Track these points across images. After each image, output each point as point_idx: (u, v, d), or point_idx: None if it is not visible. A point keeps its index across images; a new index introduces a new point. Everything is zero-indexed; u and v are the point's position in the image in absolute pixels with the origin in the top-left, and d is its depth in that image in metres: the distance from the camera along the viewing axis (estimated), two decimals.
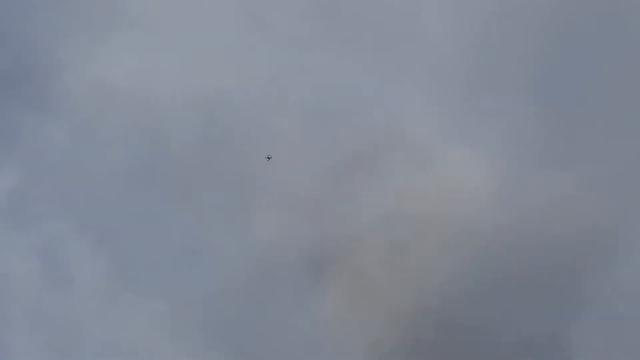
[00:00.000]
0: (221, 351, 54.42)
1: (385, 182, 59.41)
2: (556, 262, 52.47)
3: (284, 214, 60.02)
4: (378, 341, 53.65)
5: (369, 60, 66.27)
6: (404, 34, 66.70)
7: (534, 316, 51.75)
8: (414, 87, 64.06)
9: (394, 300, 54.04)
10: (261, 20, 66.91)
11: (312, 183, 60.26)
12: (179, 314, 57.18)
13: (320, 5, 67.68)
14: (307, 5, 67.06)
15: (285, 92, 64.04)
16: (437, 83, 64.07)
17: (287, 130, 62.44)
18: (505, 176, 56.84)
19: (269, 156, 57.01)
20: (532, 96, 62.45)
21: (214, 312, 56.50)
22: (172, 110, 62.99)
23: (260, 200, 60.42)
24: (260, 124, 62.30)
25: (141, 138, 62.64)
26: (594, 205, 53.81)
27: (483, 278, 52.62)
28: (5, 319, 58.10)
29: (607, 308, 51.91)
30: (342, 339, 54.87)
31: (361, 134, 62.01)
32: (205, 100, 62.85)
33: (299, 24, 66.14)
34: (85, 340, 57.38)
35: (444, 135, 61.14)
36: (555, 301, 52.35)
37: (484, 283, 52.50)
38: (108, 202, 61.69)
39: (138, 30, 66.35)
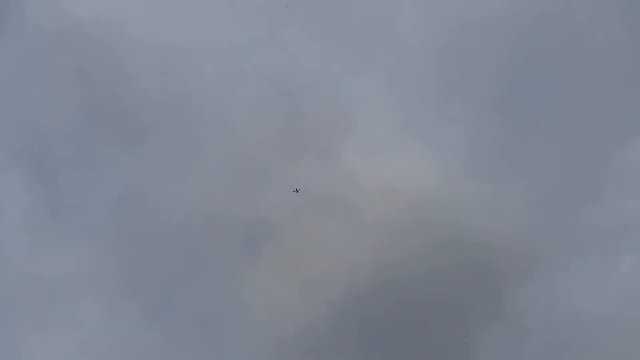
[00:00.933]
0: (140, 307, 54.03)
1: (330, 164, 59.98)
2: (475, 266, 54.12)
3: (227, 183, 60.02)
4: (306, 317, 54.38)
5: (339, 46, 66.61)
6: (379, 28, 67.29)
7: (451, 319, 53.16)
8: (378, 79, 64.71)
9: (324, 276, 54.81)
10: None
11: (261, 156, 60.37)
12: (104, 261, 56.66)
13: None
14: None
15: (247, 60, 63.86)
16: (402, 78, 64.86)
17: (242, 99, 62.36)
18: (446, 177, 58.16)
19: (297, 189, 57.10)
20: (491, 105, 63.83)
21: (140, 266, 56.13)
22: (131, 58, 62.09)
23: (206, 165, 60.11)
24: (217, 88, 62.00)
25: (93, 79, 61.64)
26: (521, 218, 55.62)
27: (409, 269, 53.73)
28: None
29: (517, 319, 53.59)
30: (269, 311, 55.31)
31: (315, 115, 62.40)
32: (165, 54, 62.15)
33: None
34: (7, 271, 56.51)
35: (397, 129, 62.03)
36: (472, 304, 53.79)
37: (409, 274, 53.63)
38: (49, 135, 60.59)
39: None
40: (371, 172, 58.57)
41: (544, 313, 53.44)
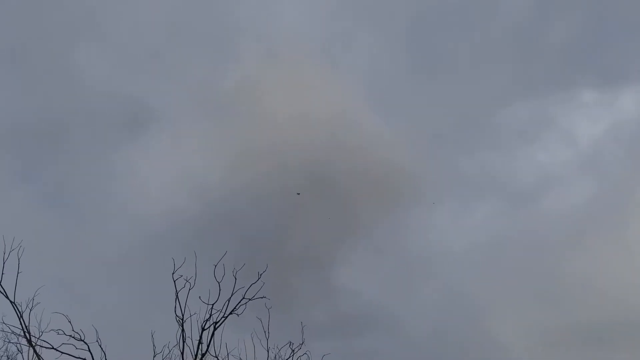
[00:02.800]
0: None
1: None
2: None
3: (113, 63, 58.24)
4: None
5: None
6: None
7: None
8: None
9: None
10: None
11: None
12: None
13: None
14: None
15: None
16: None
17: None
18: (344, 103, 58.85)
19: (298, 193, 56.95)
20: (400, 40, 64.34)
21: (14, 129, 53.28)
22: None
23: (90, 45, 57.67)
24: None
25: None
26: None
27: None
28: None
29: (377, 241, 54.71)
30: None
31: None
32: None
33: None
34: None
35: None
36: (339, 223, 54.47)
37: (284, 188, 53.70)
38: None
39: None
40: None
41: (402, 241, 55.85)
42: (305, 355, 13.74)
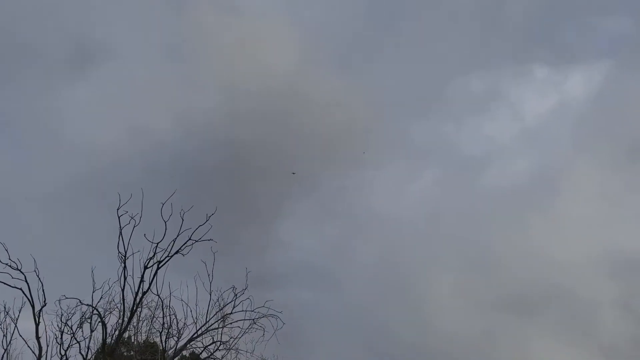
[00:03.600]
0: None
1: None
2: None
3: None
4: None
5: None
6: None
7: None
8: None
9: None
10: None
11: None
12: None
13: None
14: None
15: None
16: None
17: None
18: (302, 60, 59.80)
19: (294, 172, 55.54)
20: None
21: None
22: None
23: None
24: None
25: None
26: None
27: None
28: None
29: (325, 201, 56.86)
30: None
31: None
32: None
33: None
34: None
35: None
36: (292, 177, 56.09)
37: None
38: None
39: None
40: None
41: (347, 201, 58.27)
42: (248, 300, 13.85)
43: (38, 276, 12.23)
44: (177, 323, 13.32)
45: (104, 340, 12.73)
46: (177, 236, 12.75)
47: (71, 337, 12.73)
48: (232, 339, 13.61)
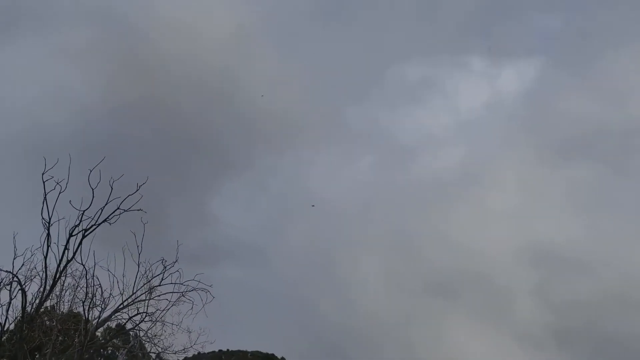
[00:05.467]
0: None
1: None
2: None
3: None
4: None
5: None
6: None
7: None
8: None
9: None
10: None
11: None
12: None
13: None
14: None
15: None
16: None
17: None
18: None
19: (313, 205, 55.17)
20: None
21: None
22: None
23: None
24: None
25: None
26: None
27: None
28: None
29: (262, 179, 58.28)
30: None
31: None
32: None
33: None
34: None
35: None
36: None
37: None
38: None
39: None
40: None
41: (282, 182, 60.98)
42: (177, 273, 13.69)
43: None
44: (102, 293, 13.05)
45: (24, 308, 12.30)
46: (105, 205, 12.41)
47: None
48: (158, 311, 13.47)
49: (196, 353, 14.89)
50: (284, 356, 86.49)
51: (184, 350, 14.07)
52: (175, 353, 14.11)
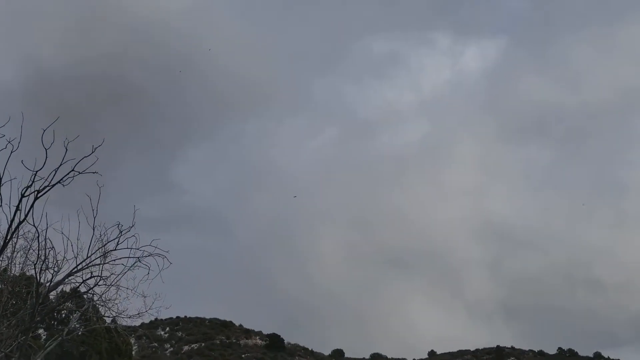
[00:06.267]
0: None
1: None
2: None
3: None
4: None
5: None
6: None
7: None
8: None
9: None
10: None
11: None
12: None
13: None
14: None
15: None
16: None
17: None
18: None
19: (295, 196, 53.47)
20: None
21: None
22: None
23: None
24: None
25: None
26: None
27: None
28: None
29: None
30: None
31: None
32: None
33: None
34: None
35: None
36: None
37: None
38: None
39: None
40: None
41: (246, 150, 62.61)
42: (133, 238, 13.53)
43: None
44: (56, 256, 12.82)
45: None
46: (59, 166, 12.07)
47: None
48: (113, 275, 13.34)
49: (153, 319, 14.86)
50: (242, 323, 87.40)
51: (139, 314, 14.03)
52: (130, 317, 14.06)
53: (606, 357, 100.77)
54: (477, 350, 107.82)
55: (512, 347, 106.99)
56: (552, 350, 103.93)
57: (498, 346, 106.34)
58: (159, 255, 13.53)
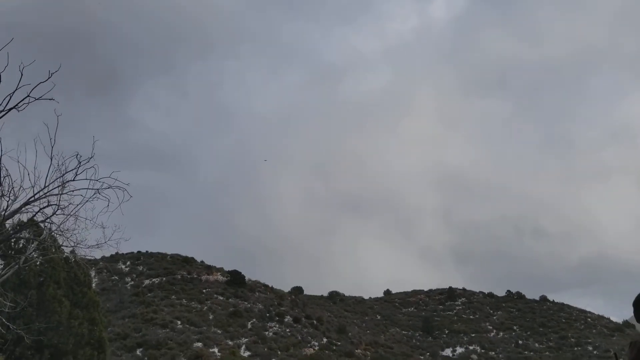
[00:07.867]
0: None
1: None
2: None
3: None
4: None
5: None
6: None
7: None
8: None
9: None
10: None
11: None
12: None
13: None
14: None
15: None
16: None
17: None
18: None
19: (265, 159, 50.13)
20: None
21: None
22: None
23: None
24: None
25: None
26: None
27: None
28: None
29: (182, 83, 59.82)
30: None
31: None
32: None
33: None
34: None
35: None
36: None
37: None
38: None
39: None
40: None
41: (210, 90, 62.79)
42: (92, 169, 13.31)
43: None
44: (12, 184, 12.59)
45: None
46: (15, 91, 11.63)
47: None
48: (71, 205, 13.20)
49: (114, 252, 14.88)
50: (203, 260, 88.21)
51: (98, 245, 14.00)
52: (89, 248, 14.03)
53: (551, 300, 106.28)
54: (430, 290, 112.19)
55: (464, 289, 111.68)
56: (501, 293, 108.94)
57: (450, 287, 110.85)
58: (118, 187, 13.37)
